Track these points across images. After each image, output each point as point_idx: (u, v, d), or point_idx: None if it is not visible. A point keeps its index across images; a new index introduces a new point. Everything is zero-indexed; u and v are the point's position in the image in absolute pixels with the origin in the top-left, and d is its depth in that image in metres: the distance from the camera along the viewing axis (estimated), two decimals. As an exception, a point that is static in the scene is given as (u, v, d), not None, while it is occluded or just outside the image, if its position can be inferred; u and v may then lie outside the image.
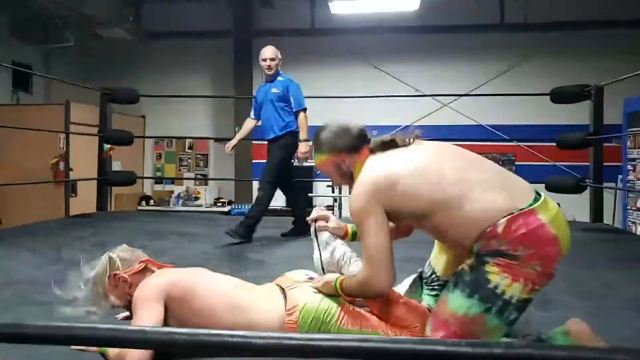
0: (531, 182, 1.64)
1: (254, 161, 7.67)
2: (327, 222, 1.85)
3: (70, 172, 5.35)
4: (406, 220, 1.63)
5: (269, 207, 3.83)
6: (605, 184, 4.57)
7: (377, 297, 1.62)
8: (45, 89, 7.87)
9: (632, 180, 5.97)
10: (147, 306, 1.54)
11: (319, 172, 1.77)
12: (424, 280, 1.83)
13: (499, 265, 1.45)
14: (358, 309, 1.64)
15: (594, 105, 4.34)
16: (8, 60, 6.34)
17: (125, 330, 0.94)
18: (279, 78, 3.97)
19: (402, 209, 1.55)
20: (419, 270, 1.88)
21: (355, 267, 1.72)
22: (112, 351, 1.52)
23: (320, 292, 1.64)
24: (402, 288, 1.83)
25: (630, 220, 6.01)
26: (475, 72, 7.49)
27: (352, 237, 1.85)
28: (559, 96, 4.55)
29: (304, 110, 3.95)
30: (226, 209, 7.68)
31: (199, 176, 8.40)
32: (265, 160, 3.98)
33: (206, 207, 7.87)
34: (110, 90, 4.92)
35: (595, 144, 4.35)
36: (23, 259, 2.98)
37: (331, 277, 1.66)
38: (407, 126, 6.02)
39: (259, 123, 4.09)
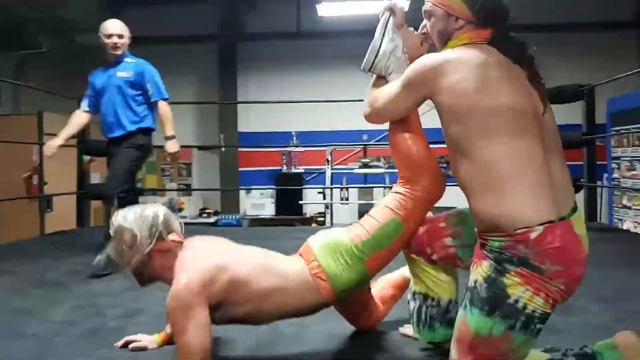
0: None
1: (240, 169, 7.40)
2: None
3: (45, 186, 5.01)
4: (445, 119, 1.46)
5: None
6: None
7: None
8: (13, 99, 7.42)
9: (617, 178, 6.17)
10: (191, 316, 1.43)
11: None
12: None
13: (520, 276, 1.27)
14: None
15: (587, 105, 4.32)
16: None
17: None
18: (128, 59, 3.18)
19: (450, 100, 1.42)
20: None
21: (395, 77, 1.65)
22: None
23: None
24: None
25: (617, 218, 6.18)
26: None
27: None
28: (555, 96, 4.41)
29: (166, 99, 3.19)
30: (212, 219, 7.38)
31: (182, 186, 8.07)
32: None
33: (191, 218, 7.52)
34: (87, 98, 4.56)
35: (589, 143, 4.38)
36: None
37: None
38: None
39: (95, 116, 3.28)
